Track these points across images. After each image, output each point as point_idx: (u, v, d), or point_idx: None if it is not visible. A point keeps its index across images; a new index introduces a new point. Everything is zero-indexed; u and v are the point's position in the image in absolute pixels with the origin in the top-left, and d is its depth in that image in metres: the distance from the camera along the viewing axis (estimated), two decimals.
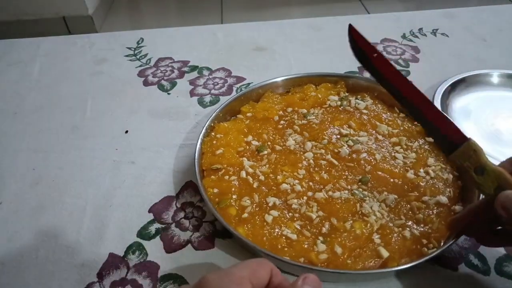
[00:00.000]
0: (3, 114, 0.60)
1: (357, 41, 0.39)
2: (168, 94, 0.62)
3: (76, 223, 0.44)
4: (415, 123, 0.50)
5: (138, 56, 0.71)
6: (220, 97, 0.61)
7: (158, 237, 0.42)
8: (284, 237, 0.38)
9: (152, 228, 0.43)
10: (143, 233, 0.43)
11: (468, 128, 0.53)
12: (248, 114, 0.52)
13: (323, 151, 0.46)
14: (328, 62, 0.68)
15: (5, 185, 0.49)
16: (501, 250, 0.40)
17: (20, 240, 0.43)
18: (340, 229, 0.39)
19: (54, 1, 1.83)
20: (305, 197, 0.42)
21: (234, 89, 0.63)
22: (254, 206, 0.41)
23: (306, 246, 0.37)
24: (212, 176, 0.44)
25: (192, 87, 0.63)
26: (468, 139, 0.32)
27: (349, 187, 0.43)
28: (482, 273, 0.38)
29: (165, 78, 0.66)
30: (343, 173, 0.44)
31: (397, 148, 0.47)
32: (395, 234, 0.38)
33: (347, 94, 0.55)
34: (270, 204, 0.41)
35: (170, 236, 0.42)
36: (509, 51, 0.69)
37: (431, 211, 0.40)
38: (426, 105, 0.36)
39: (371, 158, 0.45)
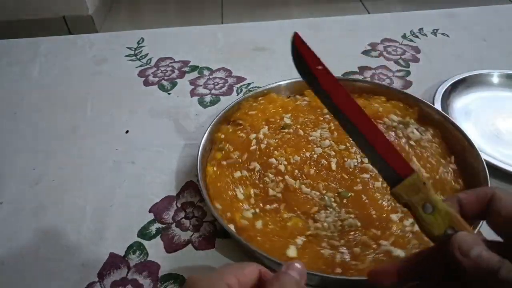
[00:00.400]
0: (3, 114, 0.60)
1: (299, 49, 0.34)
2: (169, 94, 0.62)
3: (76, 223, 0.44)
4: (457, 180, 0.44)
5: (138, 56, 0.71)
6: (221, 97, 0.61)
7: (158, 237, 0.42)
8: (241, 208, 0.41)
9: (153, 228, 0.43)
10: (143, 233, 0.43)
11: (468, 128, 0.53)
12: (306, 98, 0.54)
13: (333, 153, 0.46)
14: (328, 62, 0.67)
15: (5, 185, 0.49)
16: None
17: (20, 240, 0.43)
18: (278, 213, 0.41)
19: (55, 1, 1.83)
20: (280, 177, 0.44)
21: (235, 89, 0.63)
22: (238, 160, 0.46)
23: (244, 213, 0.41)
24: (229, 126, 0.50)
25: (193, 87, 0.63)
26: (416, 171, 0.29)
27: (324, 191, 0.42)
28: None
29: (165, 78, 0.66)
30: (331, 179, 0.43)
31: None
32: (320, 248, 0.38)
33: (412, 121, 0.50)
34: (250, 166, 0.45)
35: (171, 236, 0.42)
36: (509, 51, 0.69)
37: (372, 253, 0.37)
38: (374, 134, 0.31)
39: (371, 181, 0.43)
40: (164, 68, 0.68)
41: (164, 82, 0.65)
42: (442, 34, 0.75)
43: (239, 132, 0.49)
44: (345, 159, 0.45)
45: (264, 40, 0.74)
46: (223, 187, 0.43)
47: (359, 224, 0.40)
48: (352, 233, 0.39)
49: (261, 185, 0.44)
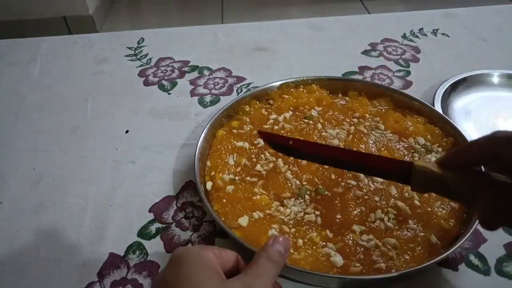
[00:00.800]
0: (3, 114, 0.60)
1: (272, 139, 0.40)
2: (169, 94, 0.62)
3: (76, 222, 0.44)
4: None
5: (138, 56, 0.71)
6: (221, 97, 0.61)
7: (158, 237, 0.42)
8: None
9: (153, 228, 0.43)
10: (143, 232, 0.43)
11: (468, 128, 0.53)
12: (346, 99, 0.55)
13: None
14: (328, 62, 0.68)
15: (6, 184, 0.49)
16: (501, 250, 0.40)
17: (21, 240, 0.43)
18: (252, 187, 0.43)
19: (55, 1, 1.83)
20: (274, 158, 0.46)
21: (235, 89, 0.63)
22: (247, 132, 0.50)
23: (224, 176, 0.44)
24: (258, 102, 0.54)
25: (193, 87, 0.64)
26: (411, 162, 0.30)
27: (305, 183, 0.43)
28: (483, 273, 0.38)
29: (165, 78, 0.66)
30: (318, 174, 0.44)
31: (391, 205, 0.41)
32: (269, 228, 0.40)
33: (440, 149, 0.47)
34: (254, 141, 0.48)
35: (171, 235, 0.43)
36: (509, 51, 0.69)
37: (313, 250, 0.38)
38: (363, 157, 0.36)
39: (353, 189, 0.42)
40: (164, 68, 0.68)
41: (164, 82, 0.65)
42: (442, 34, 0.75)
43: (264, 110, 0.53)
44: None
45: (264, 40, 0.74)
46: (222, 150, 0.47)
47: (319, 222, 0.40)
48: (307, 227, 0.40)
49: (254, 159, 0.46)
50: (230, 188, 0.43)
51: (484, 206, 0.26)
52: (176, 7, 2.21)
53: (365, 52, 0.70)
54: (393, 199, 0.41)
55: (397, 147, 0.47)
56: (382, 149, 0.47)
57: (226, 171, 0.45)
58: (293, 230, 0.40)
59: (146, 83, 0.65)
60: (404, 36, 0.74)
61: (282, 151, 0.41)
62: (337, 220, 0.40)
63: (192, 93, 0.62)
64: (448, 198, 0.33)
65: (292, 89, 0.56)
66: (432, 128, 0.49)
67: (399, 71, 0.65)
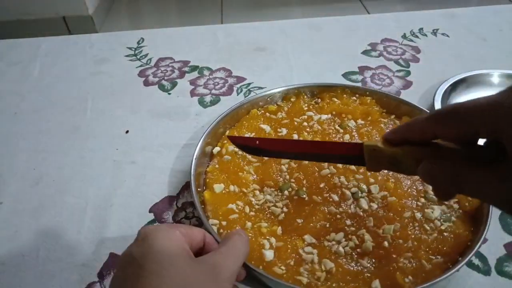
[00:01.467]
0: (3, 114, 0.60)
1: (240, 142, 0.41)
2: (169, 94, 0.62)
3: (76, 223, 0.44)
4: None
5: (138, 56, 0.71)
6: (221, 97, 0.61)
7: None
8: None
9: None
10: None
11: None
12: (397, 121, 0.52)
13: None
14: (328, 62, 0.68)
15: (6, 185, 0.49)
16: (502, 250, 0.40)
17: (21, 240, 0.43)
18: (245, 163, 0.45)
19: (55, 1, 1.83)
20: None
21: (235, 89, 0.63)
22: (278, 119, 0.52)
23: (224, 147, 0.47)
24: (308, 97, 0.55)
25: (193, 87, 0.63)
26: (362, 143, 0.31)
27: (292, 180, 0.44)
28: (483, 273, 0.38)
29: (165, 78, 0.66)
30: (308, 177, 0.43)
31: (358, 234, 0.39)
32: (234, 204, 0.42)
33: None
34: (278, 129, 0.50)
35: None
36: (509, 51, 0.69)
37: (255, 238, 0.39)
38: (319, 145, 0.38)
39: (332, 205, 0.41)
40: (164, 68, 0.68)
41: (164, 82, 0.65)
42: (442, 34, 0.75)
43: (306, 105, 0.53)
44: (340, 177, 0.43)
45: (264, 40, 0.74)
46: (245, 126, 0.50)
47: (280, 218, 0.41)
48: (266, 217, 0.41)
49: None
50: (227, 157, 0.46)
51: (424, 171, 0.27)
52: (176, 7, 2.22)
53: (365, 52, 0.70)
54: (364, 230, 0.39)
55: (407, 184, 0.43)
56: (390, 181, 0.43)
57: (227, 144, 0.48)
58: (252, 213, 0.41)
59: (146, 83, 0.65)
60: (404, 36, 0.74)
61: (251, 152, 0.42)
62: (296, 224, 0.40)
63: (192, 93, 0.62)
64: (401, 173, 0.32)
65: (345, 95, 0.54)
66: None
67: (399, 71, 0.66)
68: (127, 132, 0.56)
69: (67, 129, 0.56)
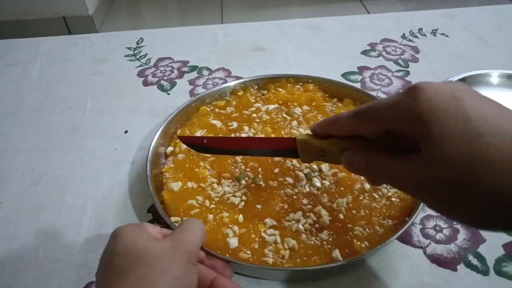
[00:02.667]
0: (3, 114, 0.60)
1: (190, 142, 0.44)
2: (168, 94, 0.62)
3: (75, 223, 0.44)
4: None
5: (138, 56, 0.71)
6: None
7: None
8: None
9: None
10: None
11: None
12: (339, 104, 0.55)
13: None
14: (327, 62, 0.68)
15: (5, 185, 0.49)
16: (500, 250, 0.40)
17: (20, 240, 0.43)
18: (203, 158, 0.47)
19: (54, 1, 1.83)
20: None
21: None
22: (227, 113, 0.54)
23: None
24: (254, 89, 0.57)
25: (192, 87, 0.64)
26: (295, 138, 0.34)
27: (248, 169, 0.45)
28: (482, 274, 0.38)
29: (164, 78, 0.66)
30: (264, 166, 0.45)
31: (314, 211, 0.42)
32: (193, 199, 0.43)
33: None
34: (229, 122, 0.51)
35: None
36: (509, 51, 0.69)
37: (213, 225, 0.40)
38: (258, 141, 0.42)
39: (288, 187, 0.43)
40: (164, 68, 0.68)
41: (164, 82, 0.65)
42: (442, 34, 0.75)
43: (253, 98, 0.55)
44: (292, 161, 0.45)
45: (263, 40, 0.74)
46: (196, 123, 0.52)
47: (240, 206, 0.42)
48: (227, 207, 0.42)
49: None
50: (181, 156, 0.47)
51: (345, 160, 0.30)
52: (175, 7, 2.22)
53: (365, 52, 0.70)
54: (320, 206, 0.41)
55: None
56: None
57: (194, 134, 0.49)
58: (212, 206, 0.42)
59: (145, 83, 0.65)
60: (403, 36, 0.74)
61: (201, 150, 0.44)
62: (256, 210, 0.42)
63: (191, 93, 0.62)
64: (329, 162, 0.37)
65: (289, 85, 0.56)
66: None
67: (398, 71, 0.65)
68: (126, 132, 0.56)
69: (67, 129, 0.57)
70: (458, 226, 0.42)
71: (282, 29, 0.78)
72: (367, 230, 0.39)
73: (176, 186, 0.44)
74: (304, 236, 0.39)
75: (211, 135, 0.50)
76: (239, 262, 0.37)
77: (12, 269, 0.40)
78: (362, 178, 0.43)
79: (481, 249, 0.40)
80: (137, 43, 0.75)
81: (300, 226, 0.40)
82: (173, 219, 0.41)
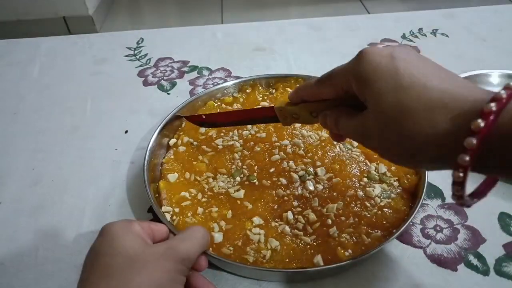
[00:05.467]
0: (3, 114, 0.60)
1: (192, 119, 0.49)
2: (168, 94, 0.62)
3: (75, 223, 0.44)
4: None
5: (138, 56, 0.71)
6: None
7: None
8: None
9: None
10: None
11: None
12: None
13: (289, 150, 0.47)
14: (328, 62, 0.68)
15: (5, 185, 0.49)
16: (501, 250, 0.40)
17: (20, 240, 0.43)
18: (200, 153, 0.48)
19: (54, 1, 1.83)
20: (239, 138, 0.49)
21: None
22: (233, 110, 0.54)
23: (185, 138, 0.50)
24: (263, 88, 0.57)
25: (192, 87, 0.63)
26: (273, 106, 0.39)
27: (245, 167, 0.46)
28: (482, 274, 0.38)
29: (164, 78, 0.66)
30: (261, 164, 0.46)
31: (304, 214, 0.41)
32: (186, 191, 0.44)
33: None
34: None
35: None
36: (509, 51, 0.69)
37: (200, 218, 0.41)
38: (246, 112, 0.47)
39: (280, 188, 0.43)
40: (164, 68, 0.68)
41: (164, 82, 0.65)
42: (442, 34, 0.75)
43: (261, 96, 0.55)
44: (289, 162, 0.45)
45: (263, 40, 0.74)
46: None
47: (231, 202, 0.42)
48: (218, 202, 0.42)
49: (221, 134, 0.50)
50: (182, 148, 0.48)
51: (320, 119, 0.34)
52: (175, 7, 2.22)
53: None
54: (310, 210, 0.41)
55: (353, 166, 0.45)
56: (336, 164, 0.45)
57: (191, 135, 0.50)
58: (204, 199, 0.43)
59: (146, 83, 0.65)
60: (403, 36, 0.74)
61: (202, 125, 0.49)
62: (246, 207, 0.42)
63: (192, 93, 0.62)
64: (303, 123, 0.42)
65: (298, 85, 0.56)
66: None
67: None
68: (126, 132, 0.56)
69: (67, 129, 0.56)
70: (459, 226, 0.42)
71: (282, 29, 0.78)
72: (354, 238, 0.39)
73: (172, 177, 0.45)
74: (288, 238, 0.39)
75: (213, 131, 0.51)
76: (221, 258, 0.37)
77: (12, 269, 0.40)
78: (357, 185, 0.43)
79: (481, 249, 0.40)
80: (137, 43, 0.75)
81: (287, 228, 0.40)
82: (164, 209, 0.41)
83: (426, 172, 0.42)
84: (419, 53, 0.26)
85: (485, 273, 0.38)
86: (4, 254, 0.42)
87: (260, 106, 0.53)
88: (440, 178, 0.46)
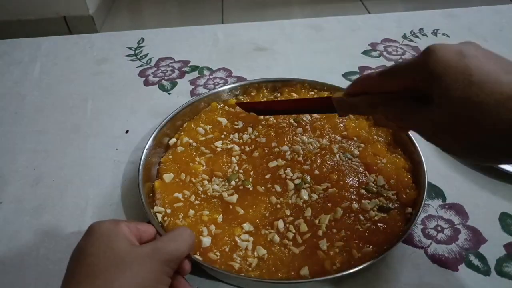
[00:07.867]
0: (4, 114, 0.60)
1: (248, 106, 0.51)
2: (169, 94, 0.62)
3: (76, 222, 0.44)
4: None
5: (138, 56, 0.71)
6: None
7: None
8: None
9: None
10: None
11: None
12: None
13: (288, 156, 0.47)
14: (328, 62, 0.68)
15: (6, 184, 0.49)
16: (502, 250, 0.40)
17: (21, 240, 0.43)
18: (198, 155, 0.48)
19: (55, 1, 1.83)
20: (240, 140, 0.49)
21: None
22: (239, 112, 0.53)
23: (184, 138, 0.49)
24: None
25: (193, 87, 0.64)
26: (330, 97, 0.39)
27: (241, 171, 0.45)
28: (483, 274, 0.38)
29: (165, 78, 0.66)
30: (257, 170, 0.45)
31: (295, 223, 0.40)
32: (179, 192, 0.44)
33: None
34: (235, 121, 0.51)
35: None
36: (509, 51, 0.69)
37: (190, 220, 0.41)
38: (300, 102, 0.49)
39: (273, 195, 0.43)
40: (164, 68, 0.68)
41: (164, 82, 0.65)
42: (442, 34, 0.75)
43: (265, 99, 0.55)
44: (286, 169, 0.45)
45: (264, 40, 0.74)
46: (202, 118, 0.52)
47: (223, 206, 0.42)
48: (210, 206, 0.42)
49: (222, 136, 0.50)
50: (180, 149, 0.48)
51: (383, 112, 0.34)
52: (176, 7, 2.21)
53: (365, 52, 0.70)
54: (302, 220, 0.40)
55: (351, 177, 0.44)
56: (334, 173, 0.44)
57: (191, 136, 0.50)
58: (196, 202, 0.42)
59: (146, 83, 0.65)
60: (404, 36, 0.74)
61: (257, 113, 0.51)
62: (238, 213, 0.41)
63: (192, 93, 0.62)
64: (361, 114, 0.47)
65: (303, 90, 0.56)
66: (403, 175, 0.44)
67: None
68: (127, 132, 0.56)
69: (68, 129, 0.57)
70: (460, 226, 0.42)
71: (283, 29, 0.78)
72: (343, 253, 0.38)
73: (168, 177, 0.45)
74: (277, 247, 0.38)
75: (217, 131, 0.50)
76: (206, 264, 0.36)
77: (13, 269, 0.40)
78: (353, 196, 0.42)
79: (482, 249, 0.40)
80: (138, 43, 0.75)
81: (276, 237, 0.39)
82: (156, 209, 0.41)
83: (426, 172, 0.42)
84: (485, 49, 0.28)
85: (486, 273, 0.38)
86: (5, 253, 0.42)
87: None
88: (441, 178, 0.46)
